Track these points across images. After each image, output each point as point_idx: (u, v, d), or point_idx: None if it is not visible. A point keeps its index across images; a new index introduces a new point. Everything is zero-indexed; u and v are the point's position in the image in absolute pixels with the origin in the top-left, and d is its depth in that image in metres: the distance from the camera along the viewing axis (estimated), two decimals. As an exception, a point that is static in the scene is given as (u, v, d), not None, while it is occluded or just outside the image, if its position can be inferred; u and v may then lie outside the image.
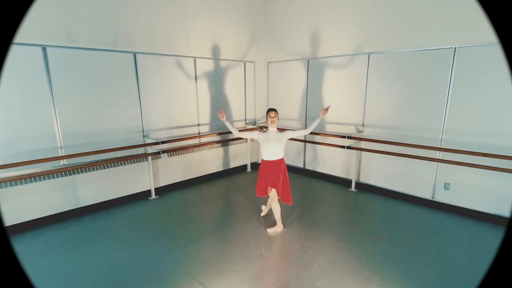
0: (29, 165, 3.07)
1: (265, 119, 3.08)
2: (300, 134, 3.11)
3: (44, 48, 3.11)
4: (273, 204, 3.16)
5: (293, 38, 5.08)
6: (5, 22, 0.71)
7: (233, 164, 5.35)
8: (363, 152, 4.37)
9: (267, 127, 3.08)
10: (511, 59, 0.72)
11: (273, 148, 2.98)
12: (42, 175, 3.16)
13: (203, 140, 4.78)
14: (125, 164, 3.87)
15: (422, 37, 3.59)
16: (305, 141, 5.06)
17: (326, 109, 3.07)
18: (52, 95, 3.21)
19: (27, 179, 3.11)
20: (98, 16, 3.43)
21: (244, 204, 3.92)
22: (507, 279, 0.69)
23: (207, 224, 3.39)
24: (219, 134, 4.87)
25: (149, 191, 4.18)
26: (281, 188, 3.08)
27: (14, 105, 3.00)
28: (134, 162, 3.97)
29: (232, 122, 2.95)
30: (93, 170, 3.59)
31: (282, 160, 3.06)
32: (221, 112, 3.05)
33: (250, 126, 5.40)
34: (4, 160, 2.98)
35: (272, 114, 2.98)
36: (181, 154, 4.51)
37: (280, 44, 5.34)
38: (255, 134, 3.05)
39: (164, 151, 4.02)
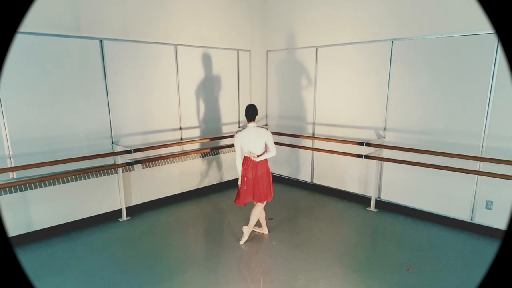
0: (-30, 179, 3.10)
1: (245, 118, 3.51)
2: (269, 152, 3.48)
3: (-10, 35, 3.17)
4: (256, 209, 3.56)
5: (299, 22, 5.16)
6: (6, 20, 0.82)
7: (224, 177, 5.41)
8: (385, 163, 4.43)
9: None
10: (511, 58, 0.80)
11: (252, 142, 3.38)
12: (-15, 191, 3.19)
13: (187, 147, 4.83)
14: (89, 178, 3.91)
15: (458, 19, 3.63)
16: (312, 149, 5.12)
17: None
18: (-1, 93, 3.26)
19: (-33, 196, 3.14)
20: (57, -5, 3.49)
21: (237, 228, 3.95)
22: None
23: (191, 253, 3.42)
24: (206, 140, 4.93)
25: (119, 211, 4.22)
26: (260, 191, 3.53)
27: (-47, 105, 3.05)
28: (101, 175, 4.00)
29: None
30: (50, 185, 3.63)
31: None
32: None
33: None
34: None
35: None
36: (159, 165, 4.55)
37: (282, 29, 5.42)
38: (236, 142, 3.46)
39: (137, 162, 4.06)
